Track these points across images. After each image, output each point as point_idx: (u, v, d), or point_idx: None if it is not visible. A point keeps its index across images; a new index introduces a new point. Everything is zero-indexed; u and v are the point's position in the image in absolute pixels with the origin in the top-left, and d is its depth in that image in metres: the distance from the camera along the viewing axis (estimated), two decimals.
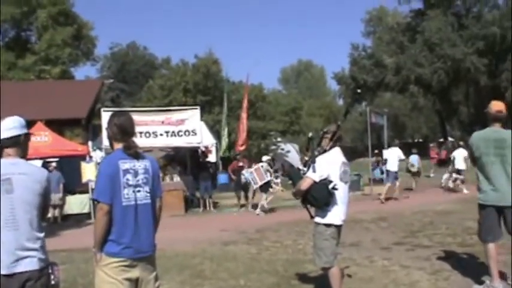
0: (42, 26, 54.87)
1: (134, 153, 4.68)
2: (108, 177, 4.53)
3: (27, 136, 4.55)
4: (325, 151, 6.61)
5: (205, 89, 43.15)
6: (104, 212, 4.48)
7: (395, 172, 20.43)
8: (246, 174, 20.51)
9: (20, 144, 4.45)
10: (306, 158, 6.89)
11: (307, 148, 7.03)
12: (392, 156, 20.60)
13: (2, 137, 4.42)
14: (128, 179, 4.55)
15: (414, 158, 25.44)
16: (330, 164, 6.47)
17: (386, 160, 21.25)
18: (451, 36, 48.58)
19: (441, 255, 9.62)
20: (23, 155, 4.50)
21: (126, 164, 4.59)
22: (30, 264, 4.21)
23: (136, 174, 4.61)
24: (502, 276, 7.25)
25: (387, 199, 19.93)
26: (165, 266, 9.29)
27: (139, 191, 4.60)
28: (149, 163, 4.75)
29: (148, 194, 4.66)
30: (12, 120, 4.48)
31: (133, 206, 4.56)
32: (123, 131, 4.72)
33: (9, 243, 4.16)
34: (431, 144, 37.10)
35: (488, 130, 7.16)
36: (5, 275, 4.13)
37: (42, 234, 4.40)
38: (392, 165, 20.38)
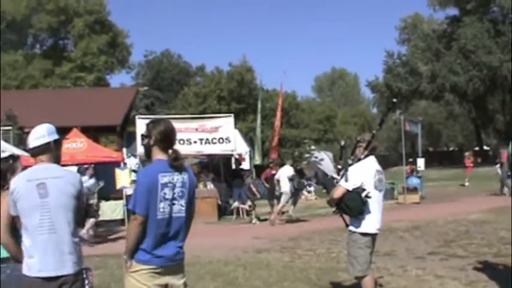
0: (78, 35, 55.71)
1: (179, 165, 4.60)
2: (146, 190, 4.47)
3: (57, 142, 4.57)
4: (359, 160, 6.58)
5: (240, 97, 43.21)
6: (138, 223, 4.46)
7: None
8: None
9: (51, 151, 4.49)
10: (339, 167, 6.86)
11: (340, 157, 7.01)
12: None
13: (30, 147, 4.50)
14: (165, 193, 4.49)
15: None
16: (364, 173, 6.43)
17: None
18: (487, 43, 48.03)
19: (476, 265, 9.48)
20: (56, 160, 4.54)
21: (165, 178, 4.52)
22: (65, 268, 4.26)
23: (174, 187, 4.54)
24: None
25: None
26: (199, 273, 9.33)
27: (174, 204, 4.55)
28: (187, 176, 4.65)
29: (183, 208, 4.61)
30: (40, 129, 4.52)
31: (167, 219, 4.53)
32: (167, 140, 4.67)
33: (46, 247, 4.22)
34: (466, 153, 36.63)
35: None
36: (41, 278, 4.20)
37: (77, 239, 4.46)
38: None
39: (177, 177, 4.59)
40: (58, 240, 4.26)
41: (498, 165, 25.30)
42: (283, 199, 18.94)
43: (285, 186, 18.98)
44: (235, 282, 9.15)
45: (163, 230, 4.52)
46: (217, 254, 12.11)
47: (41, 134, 4.48)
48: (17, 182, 4.34)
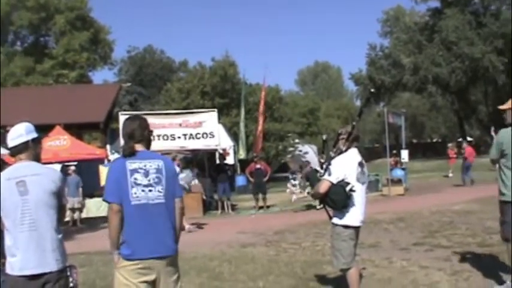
0: (60, 31, 55.36)
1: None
2: (114, 177, 4.58)
3: (35, 140, 4.59)
4: (341, 152, 6.58)
5: (223, 92, 43.14)
6: (114, 212, 4.53)
7: None
8: None
9: (30, 149, 4.51)
10: (322, 160, 6.87)
11: (323, 151, 7.03)
12: None
13: (9, 147, 4.53)
14: (136, 178, 4.56)
15: None
16: (347, 165, 6.43)
17: None
18: (469, 35, 48.18)
19: (461, 255, 9.51)
20: (36, 158, 4.56)
21: (134, 164, 4.61)
22: (48, 265, 4.25)
23: (147, 173, 4.61)
24: None
25: None
26: (183, 269, 9.27)
27: (150, 190, 4.59)
28: (162, 163, 4.74)
29: (161, 194, 4.64)
30: (18, 128, 4.53)
31: (145, 205, 4.55)
32: (129, 136, 4.77)
33: (28, 244, 4.21)
34: (449, 144, 36.77)
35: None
36: (23, 276, 4.18)
37: (60, 236, 4.44)
38: None
39: (150, 164, 4.67)
40: (39, 237, 4.24)
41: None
42: None
43: None
44: (221, 277, 9.15)
45: (142, 218, 4.55)
46: (202, 249, 12.10)
47: (18, 134, 4.50)
48: None
